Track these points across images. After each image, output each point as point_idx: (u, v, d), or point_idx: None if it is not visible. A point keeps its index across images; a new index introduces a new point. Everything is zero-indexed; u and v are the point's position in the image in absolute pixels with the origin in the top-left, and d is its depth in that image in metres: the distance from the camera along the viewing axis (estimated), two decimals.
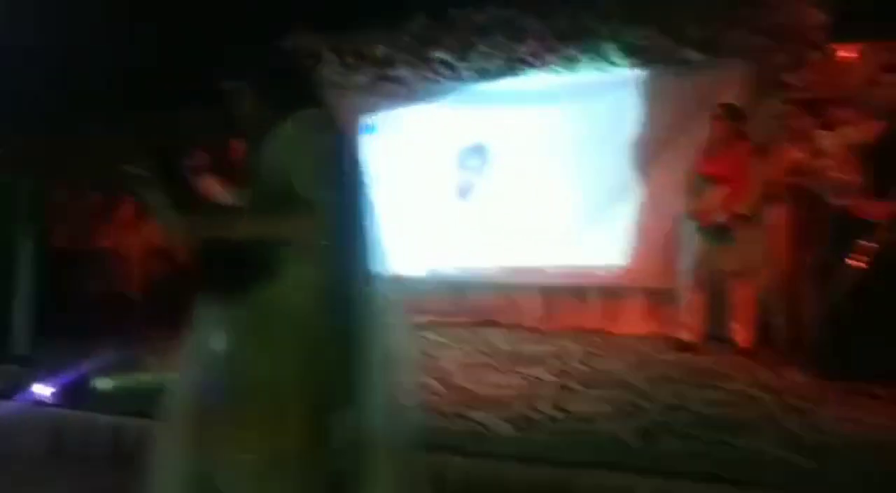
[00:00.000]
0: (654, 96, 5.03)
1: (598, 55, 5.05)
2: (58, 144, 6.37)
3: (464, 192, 5.67)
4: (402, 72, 5.57)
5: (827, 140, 3.49)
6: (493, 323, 5.56)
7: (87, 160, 6.26)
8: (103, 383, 3.50)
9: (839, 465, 2.40)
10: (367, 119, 5.88)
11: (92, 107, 6.15)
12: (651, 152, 5.05)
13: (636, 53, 4.95)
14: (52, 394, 3.34)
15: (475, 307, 5.72)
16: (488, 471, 2.38)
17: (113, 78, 6.10)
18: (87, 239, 5.90)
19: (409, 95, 5.71)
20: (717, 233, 4.23)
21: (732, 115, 4.35)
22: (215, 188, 5.66)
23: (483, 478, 2.37)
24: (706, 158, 4.38)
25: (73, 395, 3.36)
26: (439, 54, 5.39)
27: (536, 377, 3.71)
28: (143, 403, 3.15)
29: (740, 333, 4.31)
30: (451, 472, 2.42)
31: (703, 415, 2.98)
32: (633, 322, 5.18)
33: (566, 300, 5.46)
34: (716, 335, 4.48)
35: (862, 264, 3.29)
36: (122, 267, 5.63)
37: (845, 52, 4.35)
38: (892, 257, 3.21)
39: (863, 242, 3.31)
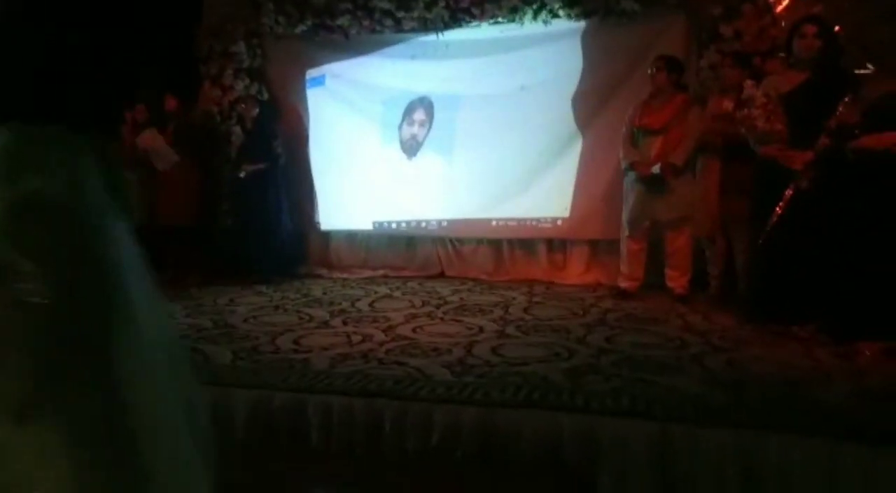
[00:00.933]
0: (595, 48, 5.07)
1: (541, 6, 5.04)
2: None
3: (409, 145, 5.67)
4: (344, 22, 5.48)
5: (755, 90, 3.57)
6: (442, 276, 5.66)
7: None
8: None
9: (751, 398, 2.56)
10: (311, 71, 5.82)
11: None
12: (593, 104, 5.11)
13: (577, 4, 4.96)
14: None
15: (425, 261, 5.79)
16: (420, 413, 2.46)
17: None
18: None
19: (351, 46, 5.63)
20: (653, 183, 4.34)
21: (671, 66, 4.42)
22: (157, 140, 5.58)
23: (414, 419, 2.46)
24: (645, 110, 4.46)
25: None
26: (381, 4, 5.31)
27: (478, 326, 3.81)
28: None
29: (676, 280, 4.47)
30: (386, 415, 2.51)
31: (630, 357, 3.11)
32: (578, 273, 5.33)
33: (515, 252, 5.57)
34: (654, 283, 4.64)
35: (782, 212, 3.42)
36: None
37: (775, 3, 4.43)
38: (809, 206, 3.34)
39: (784, 192, 3.44)
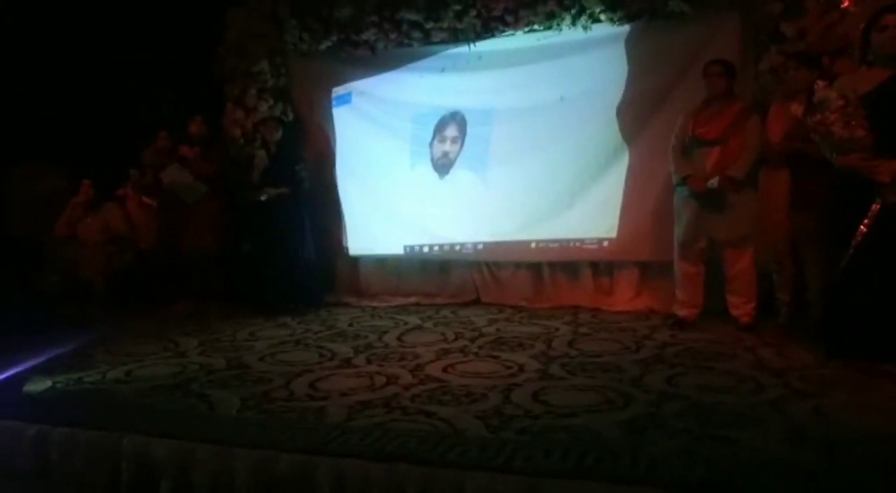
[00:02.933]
0: (641, 54, 4.66)
1: (580, 10, 4.65)
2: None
3: (441, 163, 5.32)
4: (370, 36, 5.18)
5: (829, 92, 3.12)
6: (478, 303, 5.26)
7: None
8: (37, 385, 3.17)
9: (851, 461, 2.08)
10: (336, 89, 5.53)
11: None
12: (640, 115, 4.69)
13: (620, 6, 4.55)
14: None
15: (459, 287, 5.41)
16: (449, 482, 2.06)
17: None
18: (43, 226, 5.56)
19: (377, 61, 5.33)
20: (711, 199, 3.90)
21: (726, 71, 3.99)
22: (181, 175, 5.34)
23: (442, 490, 2.05)
24: (699, 119, 4.03)
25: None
26: (409, 15, 4.98)
27: (518, 364, 3.39)
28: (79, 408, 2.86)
29: (740, 308, 3.99)
30: (408, 484, 2.11)
31: (698, 404, 2.66)
32: (627, 298, 4.87)
33: (556, 277, 5.15)
34: (713, 311, 4.16)
35: (868, 230, 2.95)
36: (78, 255, 5.30)
37: None
38: None
39: (869, 207, 2.97)
